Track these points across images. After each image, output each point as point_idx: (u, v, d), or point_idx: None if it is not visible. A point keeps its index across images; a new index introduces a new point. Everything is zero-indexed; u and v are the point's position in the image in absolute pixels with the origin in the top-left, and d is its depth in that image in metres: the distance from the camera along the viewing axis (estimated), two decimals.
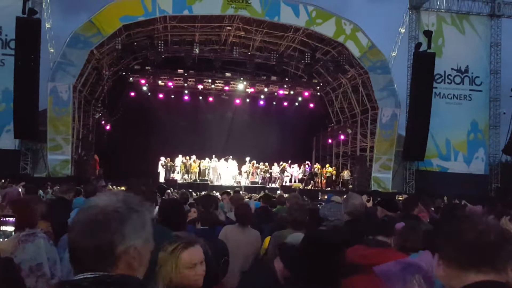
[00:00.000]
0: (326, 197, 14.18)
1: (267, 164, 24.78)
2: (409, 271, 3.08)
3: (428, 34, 21.99)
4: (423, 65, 21.84)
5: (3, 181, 14.99)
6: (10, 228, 2.95)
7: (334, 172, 25.27)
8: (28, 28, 18.66)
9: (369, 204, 8.28)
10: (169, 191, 11.79)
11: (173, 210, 4.01)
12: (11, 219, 2.98)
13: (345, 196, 10.62)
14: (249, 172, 24.20)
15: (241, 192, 14.15)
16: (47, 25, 20.63)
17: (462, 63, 23.99)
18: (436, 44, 22.87)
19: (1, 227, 2.95)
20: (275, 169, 24.71)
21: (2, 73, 19.92)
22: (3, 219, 2.97)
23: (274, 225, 6.11)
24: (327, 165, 25.83)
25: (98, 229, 1.36)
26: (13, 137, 19.66)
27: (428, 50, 21.83)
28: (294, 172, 24.81)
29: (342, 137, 26.59)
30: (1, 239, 2.91)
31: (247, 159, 24.21)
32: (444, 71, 23.76)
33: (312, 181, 24.54)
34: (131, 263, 1.40)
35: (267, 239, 4.72)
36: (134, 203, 1.46)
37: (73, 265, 1.41)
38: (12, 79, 18.74)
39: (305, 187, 23.51)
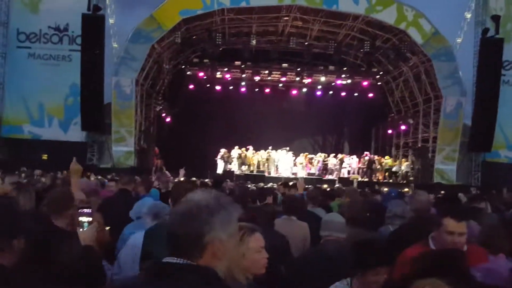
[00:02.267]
0: (386, 190, 13.88)
1: (325, 155, 24.55)
2: (490, 277, 2.99)
3: (496, 18, 20.83)
4: (490, 51, 20.71)
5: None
6: (86, 219, 3.08)
7: (393, 163, 24.59)
8: (93, 24, 19.40)
9: None
10: (224, 184, 11.89)
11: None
12: (88, 210, 3.11)
13: (410, 193, 10.28)
14: (304, 164, 24.04)
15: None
16: (111, 21, 21.32)
17: None
18: (504, 29, 21.58)
19: (79, 217, 3.09)
20: (332, 160, 24.41)
21: (70, 68, 20.81)
22: (80, 210, 3.11)
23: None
24: (387, 157, 25.19)
25: (191, 219, 1.59)
26: (81, 129, 20.58)
27: (496, 36, 20.69)
28: (353, 163, 24.38)
29: (403, 127, 25.83)
30: (80, 229, 3.05)
31: (320, 154, 24.26)
32: None
33: (370, 172, 24.02)
34: (215, 253, 1.60)
35: None
36: (224, 201, 1.67)
37: (168, 248, 1.63)
38: (79, 74, 19.59)
39: (364, 179, 23.09)
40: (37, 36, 21.24)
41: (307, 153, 24.48)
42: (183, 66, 25.03)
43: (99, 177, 13.08)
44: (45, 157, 20.22)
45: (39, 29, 21.18)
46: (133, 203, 5.02)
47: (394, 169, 24.00)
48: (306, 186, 13.04)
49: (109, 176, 13.08)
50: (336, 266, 3.37)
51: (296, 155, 24.34)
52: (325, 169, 24.18)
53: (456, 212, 3.23)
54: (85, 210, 3.13)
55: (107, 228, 3.17)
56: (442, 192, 15.30)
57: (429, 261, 2.09)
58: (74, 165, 4.63)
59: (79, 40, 20.34)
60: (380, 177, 23.81)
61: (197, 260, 1.60)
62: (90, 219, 3.09)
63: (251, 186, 13.00)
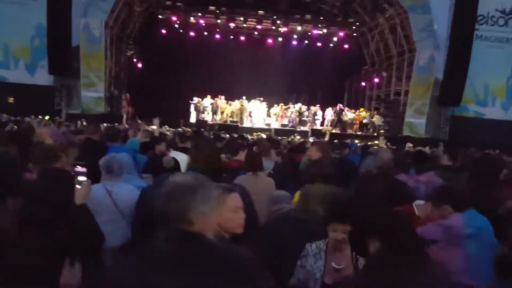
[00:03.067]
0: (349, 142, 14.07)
1: (300, 106, 24.56)
2: (449, 232, 3.19)
3: None
4: (466, 5, 20.71)
5: (40, 117, 15.39)
6: (83, 178, 2.97)
7: (367, 115, 24.86)
8: None
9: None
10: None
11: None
12: (84, 169, 2.99)
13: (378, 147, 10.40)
14: (279, 115, 24.06)
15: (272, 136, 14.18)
16: None
17: (507, 3, 22.52)
18: None
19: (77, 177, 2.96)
20: (305, 112, 24.47)
21: (35, 7, 19.79)
22: (77, 169, 2.98)
23: (301, 179, 6.02)
24: (361, 109, 25.37)
25: (175, 199, 1.82)
26: (48, 73, 19.90)
27: None
28: (327, 115, 24.50)
29: (376, 80, 25.94)
30: (76, 187, 2.95)
31: (296, 105, 24.11)
32: (488, 12, 22.43)
33: (340, 124, 24.21)
34: (201, 226, 1.85)
35: (297, 194, 4.67)
36: (202, 181, 1.90)
37: (159, 223, 1.86)
38: (45, 13, 18.73)
39: (336, 131, 23.33)
40: None
41: (282, 104, 24.43)
42: (155, 10, 24.14)
43: (67, 123, 12.80)
44: (11, 100, 19.61)
45: None
46: (101, 153, 4.92)
47: (364, 121, 24.27)
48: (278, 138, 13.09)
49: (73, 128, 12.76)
50: (310, 227, 3.41)
51: (270, 105, 24.30)
52: (300, 120, 24.25)
53: (460, 203, 3.48)
54: (80, 169, 3.01)
55: (89, 181, 3.09)
56: (410, 145, 15.66)
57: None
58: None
59: None
60: (353, 130, 24.06)
61: None
62: (85, 178, 2.98)
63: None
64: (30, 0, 20.17)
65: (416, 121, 22.02)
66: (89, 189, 3.01)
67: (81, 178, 2.95)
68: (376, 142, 18.82)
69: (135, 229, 3.76)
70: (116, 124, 15.79)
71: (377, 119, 24.03)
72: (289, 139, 15.28)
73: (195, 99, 23.30)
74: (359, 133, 23.48)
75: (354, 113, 24.78)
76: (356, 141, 16.52)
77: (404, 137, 20.49)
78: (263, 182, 5.10)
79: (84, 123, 12.81)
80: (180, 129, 15.01)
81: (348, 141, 15.77)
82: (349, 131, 23.52)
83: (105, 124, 12.90)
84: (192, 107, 23.38)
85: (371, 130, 23.82)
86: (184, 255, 1.76)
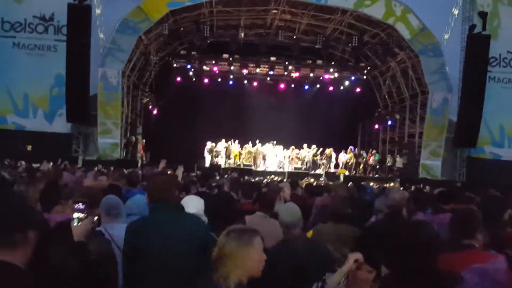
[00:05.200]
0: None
1: (315, 149, 24.60)
2: (486, 279, 3.02)
3: (483, 15, 20.95)
4: (477, 47, 20.86)
5: (59, 163, 15.59)
6: (79, 214, 2.94)
7: (380, 157, 24.79)
8: (79, 14, 19.10)
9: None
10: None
11: (226, 205, 4.04)
12: (81, 205, 2.96)
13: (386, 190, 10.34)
14: (292, 158, 24.10)
15: (284, 180, 14.13)
16: (97, 11, 20.96)
17: None
18: (491, 25, 21.73)
19: (74, 214, 2.94)
20: (318, 155, 24.53)
21: (55, 58, 20.50)
22: (76, 206, 2.96)
23: (315, 218, 6.00)
24: (373, 151, 25.33)
25: None
26: (66, 121, 20.34)
27: (483, 32, 20.83)
28: (340, 158, 24.49)
29: (389, 122, 25.97)
30: (74, 224, 2.91)
31: (308, 149, 24.32)
32: (500, 54, 22.58)
33: (356, 166, 24.15)
34: None
35: (310, 233, 4.63)
36: None
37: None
38: (64, 64, 19.33)
39: (351, 174, 23.21)
40: (22, 25, 20.87)
41: (293, 147, 24.51)
42: (170, 58, 24.83)
43: (83, 168, 12.93)
44: (29, 148, 19.99)
45: (24, 19, 20.81)
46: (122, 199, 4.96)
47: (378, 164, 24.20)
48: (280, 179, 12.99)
49: (96, 169, 12.90)
50: (305, 262, 3.40)
51: (283, 149, 24.37)
52: (313, 163, 24.24)
53: None
54: (79, 206, 2.99)
55: (96, 218, 3.07)
56: (427, 187, 15.44)
57: None
58: None
59: (64, 30, 20.02)
60: (364, 171, 23.98)
61: None
62: (83, 215, 2.96)
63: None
64: (50, 51, 20.92)
65: (432, 163, 21.82)
66: (87, 226, 2.95)
67: (78, 215, 2.93)
68: (392, 184, 18.63)
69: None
70: (132, 169, 15.91)
71: (398, 161, 23.84)
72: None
73: (209, 144, 23.51)
74: (376, 175, 23.33)
75: (362, 155, 24.80)
76: (371, 183, 16.39)
77: (420, 180, 20.25)
78: (271, 223, 4.88)
79: (102, 169, 12.92)
80: (193, 174, 15.01)
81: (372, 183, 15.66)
82: (363, 174, 23.39)
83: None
84: (206, 152, 23.55)
85: (385, 172, 23.66)
86: None
